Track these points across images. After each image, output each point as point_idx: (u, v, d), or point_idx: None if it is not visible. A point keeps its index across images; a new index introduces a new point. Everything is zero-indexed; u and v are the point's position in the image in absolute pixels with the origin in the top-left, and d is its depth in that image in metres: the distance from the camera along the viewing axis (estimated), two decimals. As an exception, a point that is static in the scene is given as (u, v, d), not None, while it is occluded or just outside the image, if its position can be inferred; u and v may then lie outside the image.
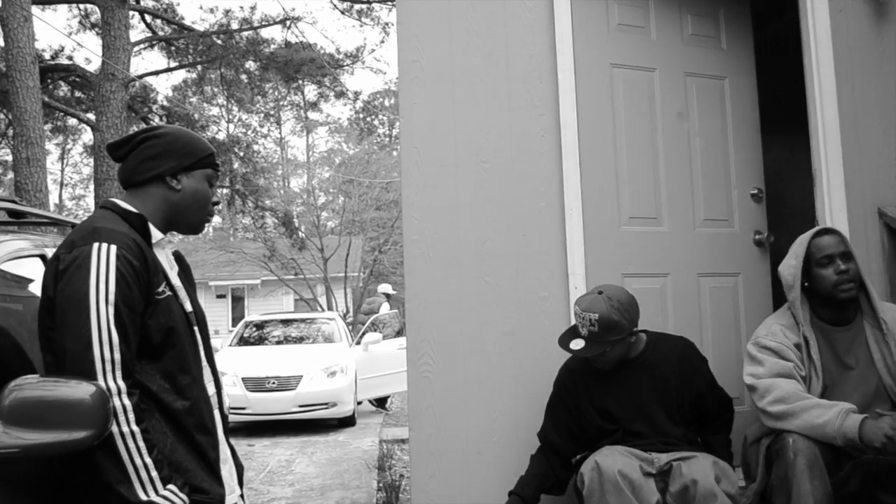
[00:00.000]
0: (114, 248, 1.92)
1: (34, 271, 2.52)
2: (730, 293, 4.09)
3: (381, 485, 6.88)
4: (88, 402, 1.75)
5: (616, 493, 2.87)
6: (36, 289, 2.48)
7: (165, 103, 19.94)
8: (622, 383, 3.23)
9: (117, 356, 1.86)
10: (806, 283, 3.11)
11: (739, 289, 4.11)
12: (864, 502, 2.98)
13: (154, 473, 1.86)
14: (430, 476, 3.58)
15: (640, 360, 3.26)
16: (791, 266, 3.08)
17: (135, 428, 1.85)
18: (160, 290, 2.03)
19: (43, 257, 2.62)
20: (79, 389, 1.76)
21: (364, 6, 19.09)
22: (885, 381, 3.02)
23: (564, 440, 3.27)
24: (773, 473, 2.93)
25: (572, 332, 3.21)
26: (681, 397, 3.22)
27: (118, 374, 1.86)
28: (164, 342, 2.01)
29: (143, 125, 18.08)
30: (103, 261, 1.90)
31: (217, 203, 2.34)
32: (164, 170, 2.14)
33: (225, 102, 23.72)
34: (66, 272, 1.91)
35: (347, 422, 11.12)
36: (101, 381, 1.82)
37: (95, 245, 1.91)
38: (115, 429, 1.82)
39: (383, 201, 31.94)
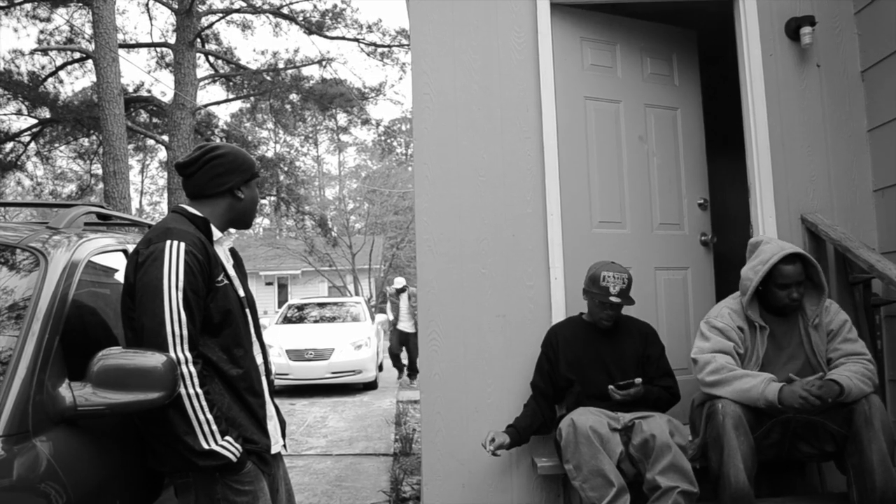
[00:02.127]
0: (183, 245, 1.94)
1: (118, 263, 2.52)
2: (680, 283, 4.08)
3: (397, 437, 6.89)
4: (160, 369, 1.76)
5: (587, 444, 2.88)
6: (120, 277, 2.49)
7: (225, 127, 19.90)
8: (594, 348, 3.26)
9: (185, 332, 1.87)
10: (760, 287, 3.06)
11: (688, 280, 4.10)
12: (786, 451, 2.99)
13: (214, 427, 1.86)
14: (436, 431, 3.57)
15: (611, 332, 3.30)
16: (750, 279, 3.02)
17: (199, 390, 1.85)
18: (219, 279, 2.04)
19: (125, 252, 2.61)
20: (153, 359, 1.77)
21: (385, 49, 19.03)
22: (811, 360, 3.03)
23: (546, 384, 3.31)
24: (707, 432, 2.93)
25: (605, 293, 3.16)
26: (635, 364, 3.25)
27: (186, 346, 1.86)
28: (222, 321, 2.02)
29: (207, 145, 18.15)
30: (174, 255, 1.91)
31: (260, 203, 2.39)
32: (233, 184, 2.17)
33: (273, 127, 23.65)
34: (144, 264, 1.92)
35: (371, 386, 11.14)
36: (171, 352, 1.83)
37: (168, 242, 1.93)
38: (182, 391, 1.83)
39: (400, 207, 31.96)
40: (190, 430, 1.84)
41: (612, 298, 3.13)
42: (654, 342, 3.34)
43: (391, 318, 11.99)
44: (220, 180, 2.16)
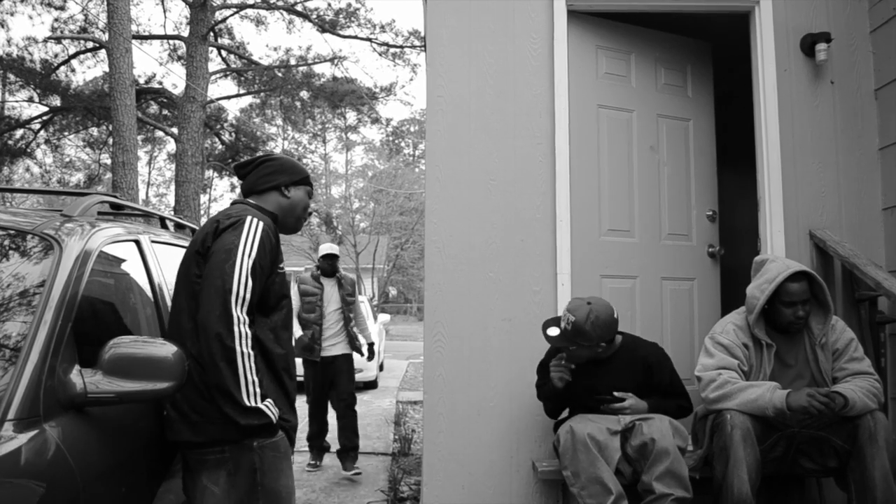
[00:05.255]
0: (262, 223, 2.14)
1: (127, 253, 2.53)
2: (686, 294, 4.08)
3: (396, 437, 6.91)
4: (170, 359, 1.77)
5: (585, 452, 2.88)
6: (126, 268, 2.50)
7: (234, 122, 19.95)
8: (590, 374, 3.17)
9: (247, 295, 2.00)
10: (766, 306, 3.05)
11: (694, 291, 4.10)
12: (788, 466, 3.00)
13: (258, 389, 1.97)
14: (438, 431, 3.58)
15: (610, 360, 3.19)
16: (756, 297, 3.01)
17: (250, 351, 1.97)
18: (281, 266, 2.23)
19: (137, 242, 2.61)
20: (163, 349, 1.79)
21: (398, 50, 19.05)
22: (817, 378, 3.03)
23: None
24: (714, 443, 2.93)
25: (555, 321, 3.15)
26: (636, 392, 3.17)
27: (244, 308, 1.99)
28: (276, 305, 2.20)
29: (217, 140, 18.22)
30: (253, 228, 2.10)
31: (312, 212, 2.62)
32: (279, 182, 2.37)
33: (281, 123, 23.73)
34: (225, 230, 2.10)
35: (371, 385, 11.13)
36: (231, 310, 1.94)
37: (249, 218, 2.13)
38: (237, 348, 1.92)
39: (406, 208, 32.03)
40: (237, 386, 1.93)
41: (549, 331, 3.11)
42: (661, 370, 3.20)
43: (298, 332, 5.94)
44: (269, 178, 2.37)
